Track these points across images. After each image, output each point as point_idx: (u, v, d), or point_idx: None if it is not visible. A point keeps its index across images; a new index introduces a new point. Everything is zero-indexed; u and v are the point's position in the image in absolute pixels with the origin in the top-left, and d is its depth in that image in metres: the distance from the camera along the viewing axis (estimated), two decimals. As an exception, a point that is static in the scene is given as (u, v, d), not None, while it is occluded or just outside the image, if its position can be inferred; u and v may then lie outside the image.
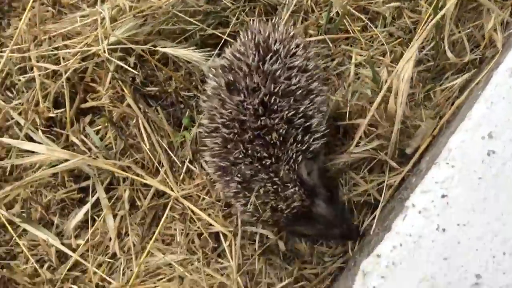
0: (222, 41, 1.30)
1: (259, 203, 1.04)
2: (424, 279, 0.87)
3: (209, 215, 1.28)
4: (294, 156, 1.03)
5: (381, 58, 1.25)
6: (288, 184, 1.03)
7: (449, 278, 0.87)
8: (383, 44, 1.27)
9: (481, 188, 0.88)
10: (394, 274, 0.88)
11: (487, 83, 0.94)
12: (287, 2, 1.37)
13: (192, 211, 1.28)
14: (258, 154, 1.03)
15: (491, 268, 0.86)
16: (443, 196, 0.89)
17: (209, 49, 1.27)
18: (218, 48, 1.31)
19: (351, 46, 1.31)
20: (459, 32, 1.23)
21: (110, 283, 1.27)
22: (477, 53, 1.27)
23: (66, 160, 1.24)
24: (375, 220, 1.11)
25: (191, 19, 1.29)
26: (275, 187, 1.03)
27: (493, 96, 0.94)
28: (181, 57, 1.25)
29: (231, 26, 1.34)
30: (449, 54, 1.17)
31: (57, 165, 1.26)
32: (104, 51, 1.24)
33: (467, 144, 0.90)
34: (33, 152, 1.32)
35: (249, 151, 1.04)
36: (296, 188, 1.03)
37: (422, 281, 0.87)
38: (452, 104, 1.12)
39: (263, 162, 1.03)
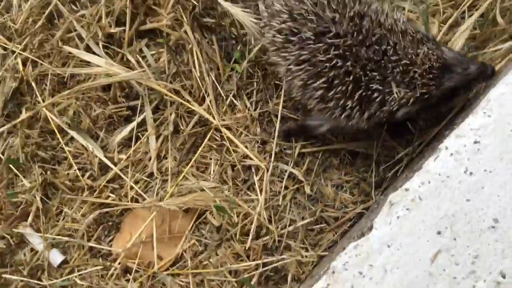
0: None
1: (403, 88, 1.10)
2: (446, 216, 0.94)
3: (246, 147, 1.36)
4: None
5: (431, 18, 1.30)
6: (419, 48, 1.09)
7: (468, 218, 0.94)
8: (435, 5, 1.33)
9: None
10: (418, 207, 0.95)
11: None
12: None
13: (230, 141, 1.36)
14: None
15: (509, 215, 0.93)
16: (475, 142, 0.96)
17: None
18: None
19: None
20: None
21: (144, 199, 1.36)
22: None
23: (121, 77, 1.33)
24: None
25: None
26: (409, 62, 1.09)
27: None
28: (235, 16, 1.32)
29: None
30: (499, 19, 1.22)
31: (112, 79, 1.36)
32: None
33: (506, 97, 0.96)
34: (90, 65, 1.42)
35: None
36: (426, 47, 1.09)
37: (443, 218, 0.94)
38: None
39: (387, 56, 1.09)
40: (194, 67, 1.39)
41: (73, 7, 1.47)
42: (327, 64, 1.11)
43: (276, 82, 1.40)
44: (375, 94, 1.10)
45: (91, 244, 1.34)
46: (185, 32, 1.38)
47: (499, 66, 1.18)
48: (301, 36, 1.14)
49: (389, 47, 1.10)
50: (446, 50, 1.12)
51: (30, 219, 1.37)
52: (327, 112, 1.17)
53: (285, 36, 1.17)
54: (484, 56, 1.25)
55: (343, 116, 1.15)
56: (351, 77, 1.11)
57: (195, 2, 1.37)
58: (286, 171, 1.35)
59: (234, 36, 1.41)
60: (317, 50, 1.12)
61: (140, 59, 1.42)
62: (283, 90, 1.37)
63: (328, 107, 1.16)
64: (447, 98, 1.14)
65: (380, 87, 1.10)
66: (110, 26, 1.41)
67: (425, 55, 1.09)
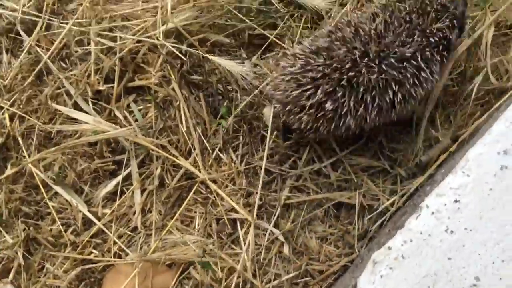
0: (267, 42, 1.41)
1: None
2: (428, 275, 0.95)
3: (231, 199, 1.36)
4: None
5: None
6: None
7: (450, 276, 0.94)
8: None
9: (490, 198, 0.96)
10: (401, 266, 0.96)
11: (508, 105, 1.03)
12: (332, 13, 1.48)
13: (216, 195, 1.37)
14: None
15: (489, 273, 0.93)
16: (455, 201, 0.97)
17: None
18: (262, 49, 1.42)
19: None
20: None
21: (127, 254, 1.35)
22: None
23: (109, 133, 1.34)
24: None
25: (243, 17, 1.40)
26: None
27: (512, 117, 1.03)
28: (226, 68, 1.36)
29: (278, 28, 1.45)
30: (492, 80, 1.28)
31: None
32: (160, 36, 1.36)
33: (484, 157, 0.99)
34: (77, 122, 1.44)
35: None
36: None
37: (426, 276, 0.95)
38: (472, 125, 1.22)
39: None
40: (181, 122, 1.41)
41: (63, 64, 1.50)
42: (369, 75, 1.16)
43: (263, 132, 1.42)
44: (428, 49, 1.18)
45: (72, 301, 1.31)
46: (173, 89, 1.41)
47: (477, 122, 1.21)
48: (333, 88, 1.18)
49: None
50: None
51: (11, 275, 1.35)
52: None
53: (321, 104, 1.19)
54: (463, 111, 1.30)
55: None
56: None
57: (184, 59, 1.40)
58: (270, 223, 1.35)
59: (220, 92, 1.44)
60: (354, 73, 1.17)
61: (127, 114, 1.44)
62: (267, 143, 1.39)
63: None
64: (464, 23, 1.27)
65: (424, 41, 1.18)
66: (99, 83, 1.43)
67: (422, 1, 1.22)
